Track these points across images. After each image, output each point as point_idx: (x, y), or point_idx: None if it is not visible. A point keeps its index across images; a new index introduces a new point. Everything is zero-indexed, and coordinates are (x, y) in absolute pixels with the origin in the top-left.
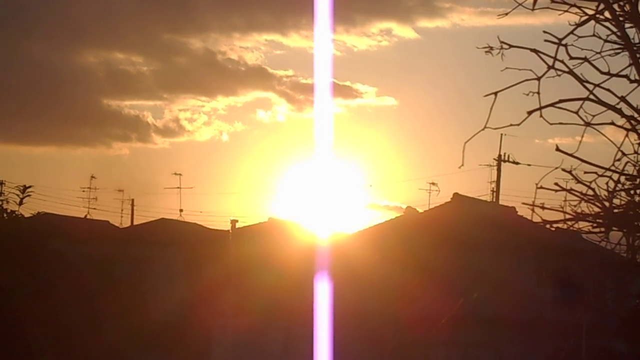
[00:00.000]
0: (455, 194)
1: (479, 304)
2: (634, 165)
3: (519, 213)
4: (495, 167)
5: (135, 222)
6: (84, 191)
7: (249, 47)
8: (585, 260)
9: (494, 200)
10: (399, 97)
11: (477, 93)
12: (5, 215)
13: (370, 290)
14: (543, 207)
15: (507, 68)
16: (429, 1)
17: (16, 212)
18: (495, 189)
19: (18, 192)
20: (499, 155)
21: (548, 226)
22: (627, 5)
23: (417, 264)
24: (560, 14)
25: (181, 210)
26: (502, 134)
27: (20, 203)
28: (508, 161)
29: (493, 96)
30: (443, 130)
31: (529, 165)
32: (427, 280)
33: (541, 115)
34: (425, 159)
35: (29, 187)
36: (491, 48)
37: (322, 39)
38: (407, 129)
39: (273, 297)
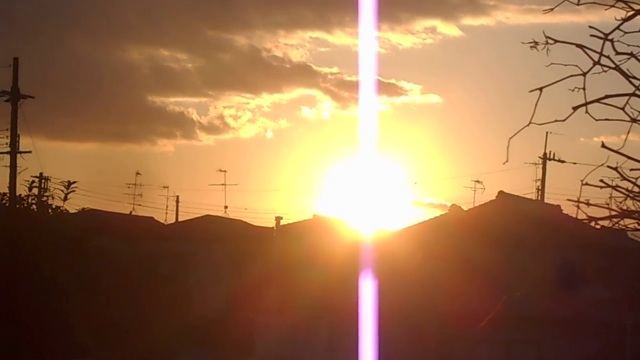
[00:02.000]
0: (500, 192)
1: (523, 301)
2: None
3: (564, 211)
4: (541, 166)
5: (180, 219)
6: (129, 187)
7: (293, 44)
8: (631, 259)
9: (539, 198)
10: (444, 94)
11: (522, 90)
12: (50, 210)
13: (414, 287)
14: (588, 204)
15: (552, 64)
16: None
17: (61, 208)
18: (540, 187)
19: (63, 188)
20: (544, 154)
21: (593, 223)
22: None
23: (461, 261)
24: (606, 9)
25: (226, 207)
26: (547, 132)
27: (65, 199)
28: (553, 159)
29: (538, 92)
30: (488, 127)
31: (574, 163)
32: (471, 278)
33: (587, 111)
34: (470, 157)
35: (74, 182)
36: (536, 43)
37: (367, 37)
38: (452, 127)
39: (317, 294)
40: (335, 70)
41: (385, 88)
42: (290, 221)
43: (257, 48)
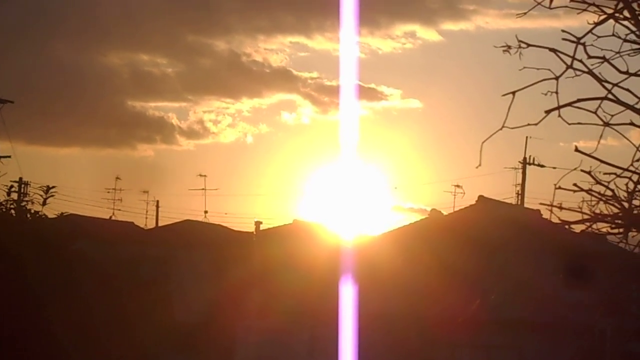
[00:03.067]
0: (480, 197)
1: (503, 306)
2: None
3: (543, 216)
4: (521, 170)
5: (160, 224)
6: (108, 192)
7: (273, 49)
8: (609, 263)
9: (519, 202)
10: (424, 99)
11: (502, 96)
12: (29, 215)
13: (395, 291)
14: (561, 208)
15: (525, 68)
16: (453, 4)
17: (39, 213)
18: (520, 192)
19: (42, 193)
20: (524, 158)
21: (567, 227)
22: None
23: (441, 266)
24: (578, 13)
25: (206, 212)
26: (527, 137)
27: (44, 203)
28: (533, 164)
29: (513, 96)
30: (468, 132)
31: (553, 168)
32: (452, 282)
33: (559, 115)
34: (450, 161)
35: (52, 187)
36: (509, 47)
37: (348, 42)
38: (432, 131)
39: (298, 298)
40: (315, 75)
41: (365, 93)
42: (271, 226)
43: (237, 53)
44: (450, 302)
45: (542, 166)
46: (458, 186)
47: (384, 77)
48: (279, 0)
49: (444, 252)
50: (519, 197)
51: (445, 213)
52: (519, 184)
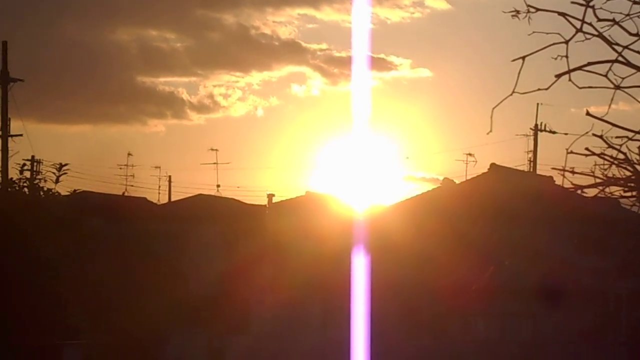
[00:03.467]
0: (493, 165)
1: (517, 274)
2: None
3: (556, 182)
4: (532, 137)
5: (173, 199)
6: (121, 168)
7: (282, 21)
8: (623, 228)
9: (531, 170)
10: (434, 68)
11: (511, 62)
12: (42, 193)
13: (408, 262)
14: (573, 172)
15: (534, 32)
16: None
17: (53, 190)
18: (532, 159)
19: (54, 171)
20: (536, 125)
21: (580, 191)
22: None
23: (454, 235)
24: None
25: (218, 186)
26: (537, 104)
27: (57, 181)
28: (545, 130)
29: (522, 61)
30: (479, 100)
31: (565, 134)
32: (465, 252)
33: (570, 79)
34: (461, 130)
35: (65, 165)
36: (518, 12)
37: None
38: (443, 100)
39: (310, 271)
40: (324, 46)
41: (374, 63)
42: (283, 198)
43: (245, 26)
44: (463, 272)
45: (554, 132)
46: (470, 154)
47: (393, 47)
48: None
49: (457, 221)
50: (531, 164)
51: (457, 182)
52: (531, 151)
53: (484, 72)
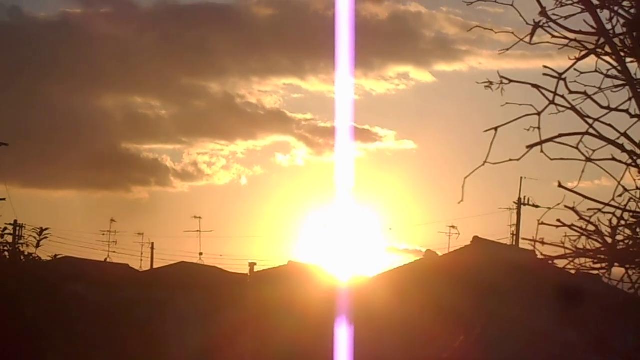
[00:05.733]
0: (475, 237)
1: (496, 345)
2: (635, 201)
3: (539, 256)
4: (515, 211)
5: (155, 266)
6: (103, 234)
7: (267, 90)
8: (605, 303)
9: (514, 243)
10: (418, 140)
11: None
12: (22, 257)
13: (390, 333)
14: (543, 243)
15: (507, 103)
16: (446, 45)
17: (33, 255)
18: (515, 232)
19: (36, 235)
20: (519, 199)
21: (550, 262)
22: (628, 40)
23: (437, 307)
24: (560, 49)
25: (201, 254)
26: (521, 177)
27: (38, 245)
28: (528, 204)
29: (495, 132)
30: (462, 173)
31: (548, 208)
32: (447, 324)
33: (542, 151)
34: (445, 202)
35: (46, 229)
36: (491, 83)
37: (342, 83)
38: (427, 172)
39: (292, 341)
40: (309, 116)
41: (359, 134)
42: (266, 267)
43: (230, 95)
44: (445, 343)
45: (537, 207)
46: (453, 227)
47: (378, 119)
48: (272, 43)
49: (439, 293)
50: (514, 238)
51: (440, 254)
52: (514, 225)
53: (467, 145)
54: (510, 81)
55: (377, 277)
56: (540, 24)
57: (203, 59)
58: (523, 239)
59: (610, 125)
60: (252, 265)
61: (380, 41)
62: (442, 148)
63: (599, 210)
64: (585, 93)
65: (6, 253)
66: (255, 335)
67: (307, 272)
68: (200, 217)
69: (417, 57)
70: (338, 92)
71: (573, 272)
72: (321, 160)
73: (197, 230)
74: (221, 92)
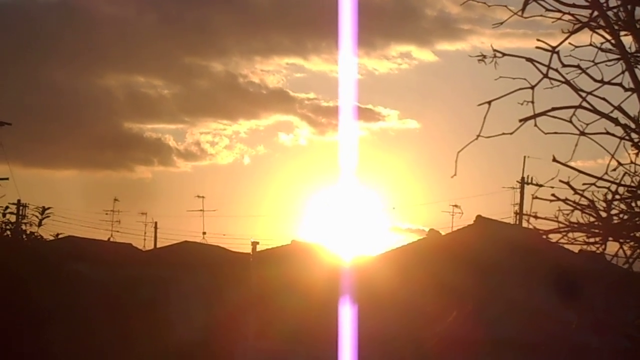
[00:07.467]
0: (478, 217)
1: (498, 324)
2: (630, 175)
3: (531, 229)
4: (519, 190)
5: (158, 245)
6: (107, 214)
7: (270, 70)
8: (608, 282)
9: (517, 222)
10: (421, 119)
11: (499, 114)
12: (24, 236)
13: (393, 312)
14: (536, 217)
15: (500, 77)
16: (448, 24)
17: (35, 234)
18: (518, 211)
19: (38, 214)
20: (522, 178)
21: (545, 236)
22: (622, 13)
23: (440, 286)
24: (553, 22)
25: (204, 233)
26: (525, 156)
27: (40, 224)
28: (531, 183)
29: (489, 106)
30: (466, 152)
31: (552, 187)
32: (450, 302)
33: (535, 124)
34: (448, 181)
35: (48, 208)
36: (484, 57)
37: (345, 63)
38: (430, 151)
39: (296, 320)
40: (312, 95)
41: (362, 113)
42: (269, 246)
43: (233, 74)
44: (447, 323)
45: (540, 185)
46: (456, 206)
47: (380, 98)
48: (274, 22)
49: (443, 272)
50: (518, 217)
51: (443, 233)
52: (517, 204)
53: (470, 123)
54: (504, 54)
55: (380, 256)
56: None
57: (205, 38)
58: (522, 214)
59: (604, 98)
60: (254, 244)
61: (383, 20)
62: (445, 127)
63: (593, 184)
64: (579, 66)
65: (8, 232)
66: (259, 314)
67: (310, 251)
68: (203, 197)
69: (420, 36)
70: (340, 71)
71: (567, 247)
72: (324, 140)
73: (201, 210)
74: (224, 71)
